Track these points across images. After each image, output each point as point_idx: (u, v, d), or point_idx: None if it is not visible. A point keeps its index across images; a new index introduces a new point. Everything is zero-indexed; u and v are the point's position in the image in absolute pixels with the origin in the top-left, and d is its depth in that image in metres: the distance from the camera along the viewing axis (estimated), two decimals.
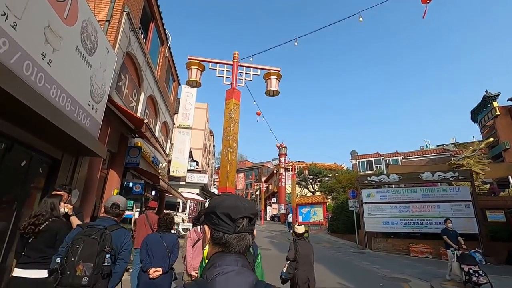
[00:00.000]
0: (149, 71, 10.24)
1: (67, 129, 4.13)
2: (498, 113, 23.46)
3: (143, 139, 8.43)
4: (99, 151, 5.32)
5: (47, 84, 3.94)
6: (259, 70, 6.99)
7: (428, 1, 5.87)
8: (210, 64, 6.79)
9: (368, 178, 16.06)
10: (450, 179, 14.28)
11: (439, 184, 14.98)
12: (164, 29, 11.95)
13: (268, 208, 43.78)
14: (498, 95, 24.65)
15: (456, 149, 36.31)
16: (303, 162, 40.93)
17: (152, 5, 10.05)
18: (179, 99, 15.70)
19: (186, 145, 14.79)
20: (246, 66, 6.94)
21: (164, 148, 14.18)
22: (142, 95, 9.74)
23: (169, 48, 13.08)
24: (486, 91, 26.14)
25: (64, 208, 3.30)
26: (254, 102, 9.14)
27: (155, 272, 3.33)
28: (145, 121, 6.07)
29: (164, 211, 14.77)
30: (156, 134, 12.02)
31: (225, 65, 6.82)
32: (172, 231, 3.89)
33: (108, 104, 6.33)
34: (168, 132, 14.52)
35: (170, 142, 15.04)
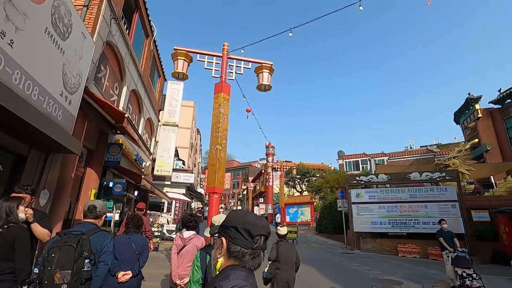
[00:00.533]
0: (132, 64, 9.65)
1: (32, 121, 3.59)
2: (480, 115, 24.02)
3: (125, 136, 7.87)
4: (72, 147, 4.77)
5: (8, 68, 3.40)
6: (250, 63, 6.60)
7: None
8: (198, 55, 6.35)
9: (357, 178, 15.99)
10: (437, 179, 14.38)
11: (425, 184, 15.07)
12: (149, 21, 11.35)
13: (256, 208, 43.45)
14: (480, 97, 25.26)
15: (439, 150, 37.19)
16: (291, 162, 40.84)
17: None
18: (165, 95, 15.07)
19: (172, 143, 14.18)
20: (236, 59, 6.54)
21: (149, 146, 13.55)
22: (125, 89, 9.14)
23: (154, 41, 12.48)
24: (469, 94, 26.79)
25: (24, 213, 2.78)
26: (244, 98, 8.76)
27: (124, 275, 3.08)
28: (126, 115, 5.55)
29: (147, 211, 14.11)
30: (140, 131, 11.41)
31: (214, 57, 6.40)
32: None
33: (85, 96, 5.77)
34: (152, 129, 13.89)
35: (155, 140, 14.40)
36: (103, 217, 2.83)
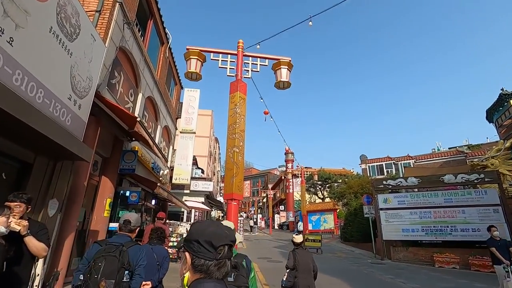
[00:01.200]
0: (148, 71, 9.53)
1: (35, 124, 3.33)
2: None
3: (140, 142, 7.64)
4: (83, 154, 4.51)
5: (7, 67, 3.16)
6: (267, 60, 6.18)
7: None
8: (212, 54, 6.03)
9: (384, 182, 15.00)
10: (475, 181, 13.15)
11: (461, 187, 13.84)
12: (164, 28, 11.30)
13: (276, 216, 42.60)
14: None
15: (470, 151, 34.89)
16: (311, 168, 39.81)
17: (150, 0, 9.40)
18: (182, 103, 15.00)
19: (190, 151, 13.99)
20: (252, 56, 6.15)
21: (166, 154, 13.41)
22: (140, 95, 9.00)
23: (170, 49, 12.43)
24: (502, 89, 24.97)
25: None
26: (261, 100, 8.31)
27: (144, 286, 2.93)
28: (138, 119, 5.27)
29: (167, 221, 13.89)
30: (157, 139, 11.26)
31: (229, 55, 6.04)
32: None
33: (97, 101, 5.57)
34: (170, 137, 13.77)
35: (173, 148, 14.28)
36: (137, 230, 2.80)
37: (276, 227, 40.38)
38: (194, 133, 14.39)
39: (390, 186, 14.75)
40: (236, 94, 5.52)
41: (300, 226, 24.16)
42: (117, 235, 2.65)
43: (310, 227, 27.97)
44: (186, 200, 15.34)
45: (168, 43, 11.87)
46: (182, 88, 15.51)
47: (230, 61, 5.98)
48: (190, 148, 14.09)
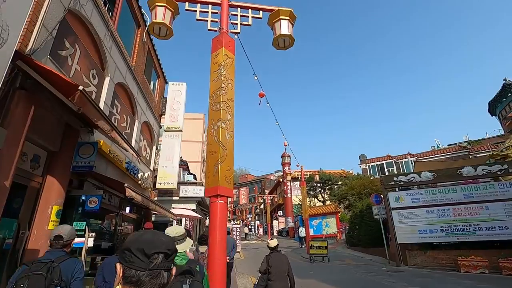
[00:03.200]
0: (118, 52, 7.94)
1: None
2: None
3: (99, 130, 5.98)
4: None
5: None
6: (260, 11, 4.64)
7: None
8: (187, 3, 4.45)
9: (395, 179, 13.50)
10: (498, 172, 11.75)
11: (481, 180, 12.42)
12: (139, 7, 9.77)
13: (275, 222, 40.80)
14: None
15: (471, 146, 33.84)
16: (308, 170, 38.26)
17: None
18: (166, 98, 13.39)
19: (176, 151, 12.31)
20: (241, 7, 4.60)
21: (148, 156, 11.73)
22: (107, 80, 7.39)
23: (149, 34, 10.88)
24: (505, 79, 23.99)
25: None
26: (255, 77, 6.77)
27: None
28: (80, 88, 3.66)
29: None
30: (134, 136, 9.61)
31: (210, 5, 4.48)
32: None
33: (30, 71, 3.96)
34: (152, 136, 12.10)
35: (156, 149, 12.59)
36: (71, 244, 2.64)
37: (275, 233, 38.53)
38: (181, 131, 12.74)
39: (402, 183, 13.25)
40: (220, 51, 3.96)
41: (302, 231, 22.42)
42: (49, 251, 2.47)
43: (311, 232, 26.21)
44: (174, 208, 13.63)
45: (145, 26, 10.31)
46: (166, 82, 13.92)
47: (212, 12, 4.44)
48: (176, 148, 12.41)
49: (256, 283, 4.48)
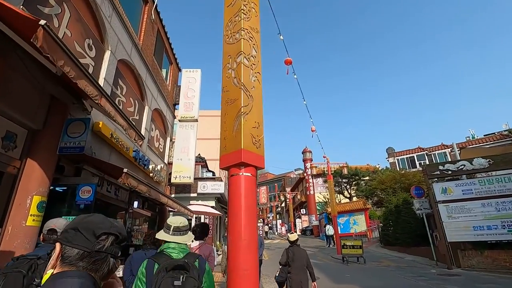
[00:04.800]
0: (120, 23, 6.94)
1: None
2: None
3: (98, 108, 4.93)
4: None
5: None
6: None
7: None
8: None
9: (441, 168, 11.69)
10: None
11: None
12: None
13: (298, 220, 39.22)
14: None
15: None
16: (335, 163, 36.36)
17: None
18: (179, 86, 12.41)
19: (191, 142, 11.27)
20: None
21: (161, 147, 10.75)
22: (107, 54, 6.39)
23: (158, 13, 9.88)
24: None
25: None
26: (280, 37, 5.49)
27: None
28: (41, 23, 2.57)
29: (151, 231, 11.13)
30: (144, 124, 8.62)
31: None
32: None
33: None
34: (165, 126, 11.12)
35: (170, 141, 11.61)
36: None
37: (298, 232, 36.96)
38: (196, 120, 11.68)
39: (450, 172, 11.44)
40: None
41: (329, 230, 20.84)
42: (39, 247, 2.22)
43: (338, 230, 24.56)
44: (191, 205, 12.64)
45: (153, 2, 9.31)
46: (179, 70, 12.93)
47: None
48: (192, 139, 11.36)
49: (277, 274, 4.71)
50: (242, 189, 1.97)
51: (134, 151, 7.24)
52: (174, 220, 2.05)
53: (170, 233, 1.97)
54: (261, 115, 2.31)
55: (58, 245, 0.78)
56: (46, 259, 1.96)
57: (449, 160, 29.98)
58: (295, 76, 8.23)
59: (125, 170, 4.48)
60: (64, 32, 4.91)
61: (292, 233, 5.14)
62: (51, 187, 4.32)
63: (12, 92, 3.74)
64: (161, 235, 2.00)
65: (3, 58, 3.46)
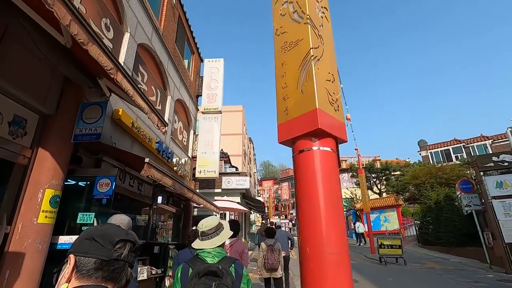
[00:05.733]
0: (139, 5, 6.44)
1: None
2: None
3: (119, 92, 4.40)
4: None
5: None
6: None
7: None
8: None
9: (495, 159, 10.33)
10: None
11: None
12: None
13: None
14: None
15: None
16: (366, 156, 34.80)
17: None
18: (202, 77, 11.88)
19: (215, 135, 10.73)
20: None
21: (185, 140, 10.27)
22: (127, 36, 5.89)
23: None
24: None
25: None
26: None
27: None
28: None
29: (194, 227, 10.69)
30: (167, 114, 8.13)
31: None
32: None
33: None
34: (189, 118, 10.62)
35: (194, 133, 11.11)
36: None
37: None
38: (220, 112, 11.11)
39: (506, 164, 10.07)
40: None
41: (360, 227, 19.73)
42: None
43: (371, 228, 23.29)
44: (216, 200, 12.14)
45: None
46: (202, 60, 12.40)
47: None
48: (216, 131, 10.81)
49: None
50: (318, 172, 1.27)
51: (157, 142, 6.75)
52: (200, 225, 1.95)
53: (200, 239, 1.88)
54: (334, 66, 1.59)
55: (72, 256, 0.74)
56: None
57: (491, 152, 27.62)
58: None
59: (147, 159, 3.90)
60: (78, 7, 4.41)
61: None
62: (69, 181, 3.83)
63: (18, 70, 3.24)
64: (194, 243, 1.90)
65: (3, 26, 2.95)
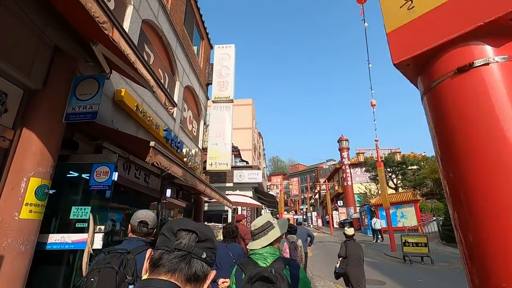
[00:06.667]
0: None
1: None
2: None
3: (123, 69, 3.76)
4: None
5: None
6: None
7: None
8: None
9: None
10: None
11: None
12: None
13: (334, 212, 37.17)
14: None
15: None
16: (385, 148, 33.63)
17: None
18: (212, 64, 11.21)
19: (227, 125, 10.08)
20: None
21: (195, 130, 9.65)
22: (130, 10, 5.24)
23: None
24: None
25: None
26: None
27: (223, 283, 2.39)
28: None
29: (205, 223, 10.13)
30: (176, 99, 7.49)
31: None
32: None
33: None
34: (199, 108, 9.99)
35: (204, 124, 10.48)
36: (153, 233, 2.18)
37: (335, 225, 35.02)
38: (232, 101, 10.43)
39: None
40: None
41: (377, 223, 18.90)
42: (128, 239, 2.08)
43: (383, 224, 22.37)
44: (229, 195, 11.54)
45: None
46: (211, 47, 11.71)
47: None
48: (227, 121, 10.15)
49: (337, 266, 4.86)
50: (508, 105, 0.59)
51: (165, 130, 6.12)
52: (252, 224, 1.82)
53: (251, 240, 1.76)
54: None
55: (149, 251, 0.79)
56: (135, 254, 1.87)
57: None
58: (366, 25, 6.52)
59: (152, 143, 3.26)
60: None
61: (350, 227, 5.30)
62: (61, 169, 3.22)
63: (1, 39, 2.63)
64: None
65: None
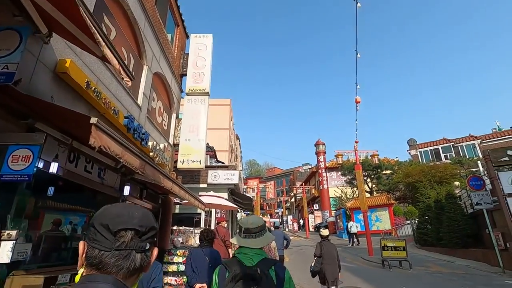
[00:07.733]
0: None
1: None
2: None
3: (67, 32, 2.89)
4: None
5: None
6: None
7: None
8: None
9: (510, 153, 9.44)
10: None
11: None
12: None
13: (310, 216, 37.12)
14: None
15: None
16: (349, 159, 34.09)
17: None
18: (187, 54, 10.36)
19: (202, 120, 9.24)
20: None
21: (165, 125, 8.73)
22: None
23: None
24: None
25: None
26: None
27: (200, 287, 3.10)
28: None
29: (175, 227, 9.19)
30: (142, 88, 6.60)
31: None
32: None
33: None
34: (171, 99, 9.09)
35: (177, 118, 9.56)
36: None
37: (311, 229, 34.94)
38: (208, 94, 9.63)
39: None
40: None
41: (353, 227, 18.77)
42: None
43: (358, 227, 22.34)
44: (202, 196, 10.66)
45: None
46: (187, 36, 10.86)
47: None
48: (202, 116, 9.32)
49: (312, 264, 5.11)
50: None
51: (125, 117, 5.21)
52: (244, 221, 1.81)
53: (242, 236, 1.71)
54: None
55: (81, 243, 0.72)
56: None
57: (479, 153, 27.59)
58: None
59: (93, 119, 2.43)
60: None
61: (325, 228, 5.48)
62: None
63: None
64: (233, 238, 1.82)
65: None
